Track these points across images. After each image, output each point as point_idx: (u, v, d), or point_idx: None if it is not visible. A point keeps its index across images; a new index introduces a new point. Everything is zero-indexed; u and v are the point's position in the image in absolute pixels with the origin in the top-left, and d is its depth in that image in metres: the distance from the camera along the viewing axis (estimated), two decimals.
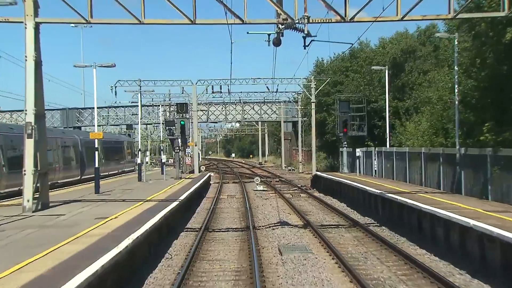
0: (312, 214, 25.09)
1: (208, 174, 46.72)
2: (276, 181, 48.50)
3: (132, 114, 74.46)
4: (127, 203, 19.69)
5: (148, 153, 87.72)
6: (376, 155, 32.06)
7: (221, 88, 55.29)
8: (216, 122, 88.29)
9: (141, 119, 63.46)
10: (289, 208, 27.78)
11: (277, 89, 52.38)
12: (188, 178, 38.18)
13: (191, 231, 20.54)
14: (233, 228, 21.11)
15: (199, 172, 49.43)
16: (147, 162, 31.95)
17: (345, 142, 36.74)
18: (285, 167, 74.90)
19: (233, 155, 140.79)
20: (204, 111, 76.69)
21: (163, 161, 34.74)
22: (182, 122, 34.40)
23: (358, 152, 33.31)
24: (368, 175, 34.00)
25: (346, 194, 29.73)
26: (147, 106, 75.67)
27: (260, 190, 38.61)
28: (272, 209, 26.98)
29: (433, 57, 34.93)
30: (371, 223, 21.48)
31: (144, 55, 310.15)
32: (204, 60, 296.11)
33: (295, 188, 40.15)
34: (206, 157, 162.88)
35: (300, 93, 61.05)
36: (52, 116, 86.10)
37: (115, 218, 15.21)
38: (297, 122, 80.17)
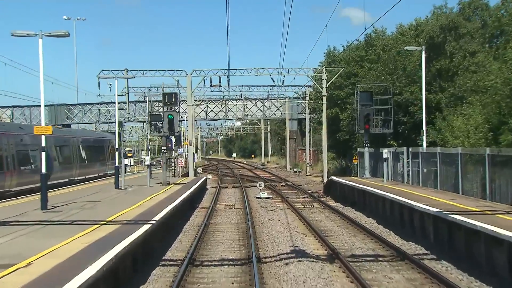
0: (334, 236, 18.97)
1: (205, 177, 40.63)
2: (282, 185, 42.42)
3: (122, 109, 68.26)
4: (74, 227, 13.58)
5: (143, 153, 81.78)
6: (409, 157, 25.88)
7: (220, 81, 49.12)
8: (216, 120, 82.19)
9: (128, 113, 57.21)
10: (302, 225, 21.66)
11: (283, 81, 46.04)
12: (179, 183, 32.07)
13: (170, 265, 14.44)
14: (229, 260, 15.00)
15: (195, 175, 43.31)
16: (126, 165, 25.70)
17: (367, 141, 30.56)
18: (290, 168, 68.81)
19: (234, 155, 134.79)
20: (200, 106, 70.66)
21: (146, 163, 28.56)
22: (170, 116, 28.29)
23: (386, 153, 27.14)
24: (397, 182, 27.87)
25: (374, 207, 23.58)
26: (141, 102, 69.68)
27: (264, 197, 32.56)
28: (281, 227, 20.86)
29: (480, 35, 28.60)
30: (423, 254, 15.30)
31: (144, 55, 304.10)
32: (200, 53, 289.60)
33: (305, 196, 34.04)
34: (206, 157, 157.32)
35: (309, 86, 54.83)
36: (40, 112, 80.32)
37: (25, 266, 9.09)
38: (303, 120, 74.05)
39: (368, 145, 30.62)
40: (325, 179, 45.04)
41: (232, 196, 35.29)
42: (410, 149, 26.21)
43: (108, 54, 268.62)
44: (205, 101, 72.47)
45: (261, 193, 33.68)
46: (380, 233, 19.09)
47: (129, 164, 61.40)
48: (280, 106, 72.18)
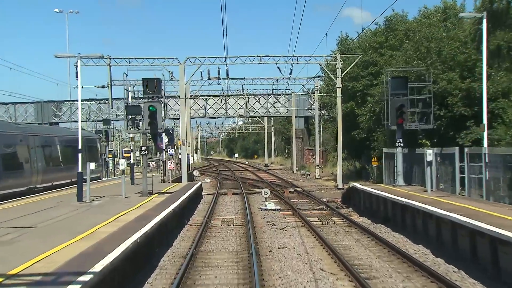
0: (379, 278, 12.87)
1: (199, 183, 34.48)
2: (290, 191, 36.33)
3: (103, 103, 62.40)
4: None
5: (137, 153, 76.10)
6: (465, 160, 19.67)
7: (219, 73, 43.08)
8: (216, 118, 76.21)
9: (111, 108, 51.22)
10: (327, 255, 15.56)
11: (291, 70, 40.01)
12: (165, 192, 25.98)
13: None
14: None
15: (190, 180, 37.24)
16: (92, 170, 19.55)
17: (401, 139, 24.39)
18: (297, 170, 62.68)
19: (236, 155, 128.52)
20: (198, 102, 64.70)
21: (121, 168, 22.48)
22: (151, 108, 22.15)
23: (430, 154, 20.91)
24: (445, 192, 21.69)
25: (422, 229, 17.41)
26: (134, 99, 63.51)
27: (271, 209, 26.49)
28: (298, 261, 14.73)
29: None
30: None
31: (143, 54, 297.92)
32: (200, 52, 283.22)
33: (320, 206, 27.90)
34: (207, 157, 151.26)
35: (322, 76, 48.60)
36: (25, 110, 74.82)
37: None
38: (310, 117, 68.10)
39: (402, 145, 24.45)
40: (340, 184, 39.12)
41: (231, 206, 29.25)
42: (467, 149, 20.01)
43: (107, 54, 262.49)
44: (204, 97, 66.55)
45: (266, 203, 27.64)
46: (445, 273, 12.96)
47: (121, 166, 55.07)
48: (285, 103, 66.23)
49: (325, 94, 45.81)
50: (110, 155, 50.07)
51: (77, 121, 76.70)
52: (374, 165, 38.98)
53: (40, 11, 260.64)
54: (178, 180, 36.70)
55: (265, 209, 26.51)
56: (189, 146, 49.33)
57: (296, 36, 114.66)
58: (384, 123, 25.68)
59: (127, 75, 25.37)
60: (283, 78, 48.35)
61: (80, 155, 20.38)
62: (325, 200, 30.37)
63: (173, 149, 38.89)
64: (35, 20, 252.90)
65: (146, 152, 22.53)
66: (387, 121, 24.86)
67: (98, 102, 70.87)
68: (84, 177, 20.49)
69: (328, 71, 40.13)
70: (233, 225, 21.76)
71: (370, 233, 18.84)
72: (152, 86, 22.54)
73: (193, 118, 71.19)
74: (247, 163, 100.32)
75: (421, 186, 24.03)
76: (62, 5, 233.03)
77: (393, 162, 27.37)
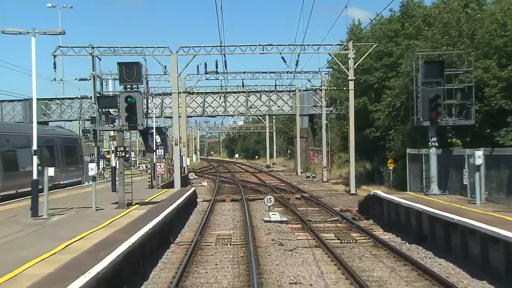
0: None
1: (193, 189, 30.12)
2: (296, 198, 32.04)
3: (86, 98, 58.12)
4: None
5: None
6: None
7: (216, 67, 38.94)
8: (214, 116, 72.08)
9: (95, 103, 46.83)
10: None
11: (297, 60, 35.72)
12: (149, 201, 21.69)
13: None
14: None
15: (183, 185, 32.99)
16: (50, 177, 15.24)
17: (435, 138, 20.07)
18: (301, 172, 58.37)
19: (237, 155, 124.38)
20: (195, 100, 60.45)
21: (91, 174, 18.19)
22: (130, 100, 17.86)
23: (479, 157, 16.54)
24: (494, 203, 17.37)
25: (481, 256, 13.08)
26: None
27: (276, 221, 22.22)
28: None
29: None
30: None
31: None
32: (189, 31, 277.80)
33: (334, 218, 23.52)
34: (207, 158, 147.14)
35: (331, 67, 44.31)
36: (13, 108, 70.50)
37: None
38: (314, 115, 63.90)
39: (436, 144, 20.12)
40: (353, 189, 34.90)
41: (229, 216, 25.02)
42: None
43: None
44: (201, 93, 62.35)
45: (270, 213, 23.38)
46: None
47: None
48: (289, 100, 61.93)
49: (334, 88, 41.42)
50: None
51: (69, 120, 72.28)
52: (390, 168, 34.82)
53: (40, 10, 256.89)
54: (170, 185, 32.44)
55: (270, 221, 22.27)
56: (184, 146, 45.13)
57: (302, 31, 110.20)
58: (412, 118, 21.32)
59: (100, 59, 21.07)
60: (287, 72, 44.29)
61: (35, 157, 16.11)
62: (338, 209, 26.13)
63: (162, 150, 34.61)
64: (35, 20, 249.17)
65: (124, 154, 18.20)
66: (417, 116, 20.53)
67: (81, 98, 66.65)
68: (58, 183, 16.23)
69: (338, 62, 35.85)
70: (230, 244, 17.52)
71: (406, 259, 14.54)
72: (131, 73, 18.21)
73: (191, 116, 67.14)
74: (247, 164, 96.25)
75: (460, 195, 19.76)
76: (61, 4, 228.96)
77: (420, 165, 23.14)
